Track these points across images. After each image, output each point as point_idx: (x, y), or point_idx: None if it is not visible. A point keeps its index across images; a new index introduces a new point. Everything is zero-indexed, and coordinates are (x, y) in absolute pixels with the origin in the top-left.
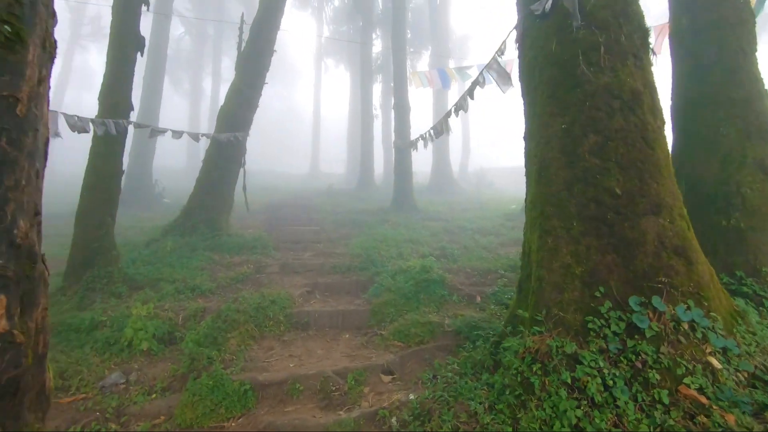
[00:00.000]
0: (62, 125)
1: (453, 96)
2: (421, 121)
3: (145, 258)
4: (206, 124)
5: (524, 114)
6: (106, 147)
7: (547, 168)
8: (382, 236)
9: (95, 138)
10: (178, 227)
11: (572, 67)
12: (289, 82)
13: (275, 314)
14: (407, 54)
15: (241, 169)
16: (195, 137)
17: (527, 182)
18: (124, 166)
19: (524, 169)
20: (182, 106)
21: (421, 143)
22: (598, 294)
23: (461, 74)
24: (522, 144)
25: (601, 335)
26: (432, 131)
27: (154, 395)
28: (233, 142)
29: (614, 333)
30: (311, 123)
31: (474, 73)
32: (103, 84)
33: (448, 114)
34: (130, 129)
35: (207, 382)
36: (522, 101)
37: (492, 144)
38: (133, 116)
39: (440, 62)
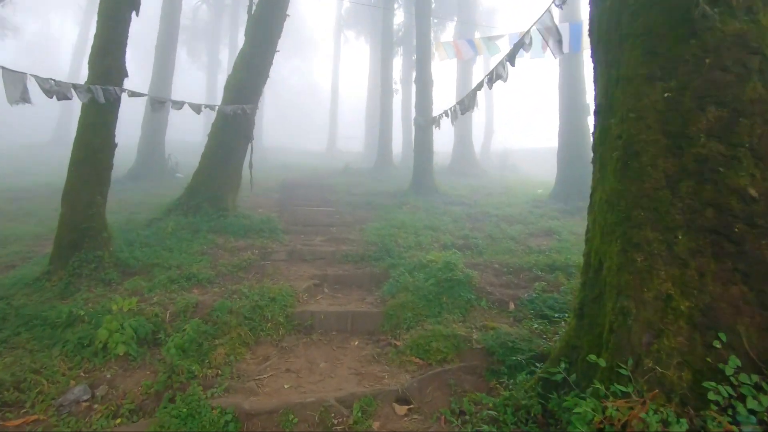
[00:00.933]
0: (36, 90)
1: (478, 71)
2: (443, 98)
3: (143, 240)
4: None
5: (595, 80)
6: (97, 117)
7: (638, 155)
8: (399, 222)
9: (84, 108)
10: (181, 206)
11: (684, 7)
12: (307, 56)
13: (274, 315)
14: (431, 25)
15: (249, 145)
16: (197, 108)
17: (599, 172)
18: (134, 139)
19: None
20: (200, 79)
21: (444, 121)
22: (717, 344)
23: (490, 46)
24: (554, 123)
25: (727, 410)
26: (458, 106)
27: (119, 419)
28: (240, 115)
29: (750, 411)
30: (329, 99)
31: (504, 45)
32: (93, 46)
33: (480, 86)
34: (134, 101)
35: (181, 409)
36: (593, 63)
37: (515, 124)
38: (136, 85)
39: (466, 34)
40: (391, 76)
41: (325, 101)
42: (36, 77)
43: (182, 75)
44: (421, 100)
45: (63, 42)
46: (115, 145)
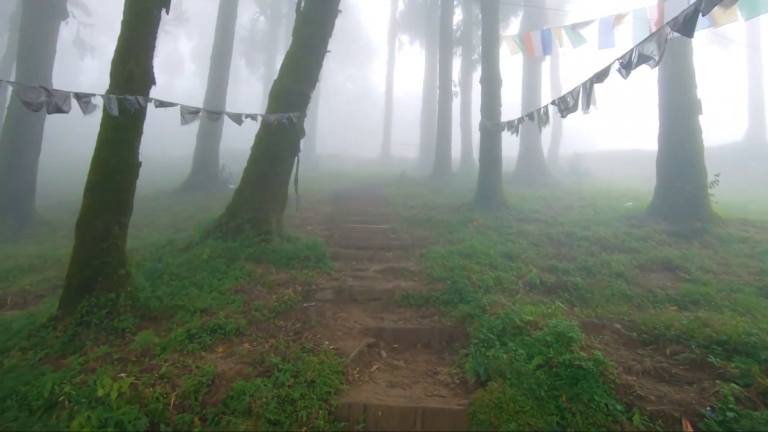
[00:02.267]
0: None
1: (545, 68)
2: (505, 100)
3: (172, 270)
4: None
5: None
6: (115, 132)
7: None
8: (468, 247)
9: (103, 121)
10: (220, 228)
11: None
12: (362, 62)
13: (311, 413)
14: (498, 15)
15: (296, 158)
16: (237, 119)
17: None
18: (189, 150)
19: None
20: (259, 89)
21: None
22: None
23: (574, 36)
24: (631, 123)
25: None
26: (558, 104)
27: None
28: (286, 124)
29: None
30: (383, 105)
31: (591, 34)
32: (116, 50)
33: (601, 76)
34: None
35: None
36: None
37: (584, 125)
38: (194, 97)
39: (534, 29)
40: (450, 77)
41: (379, 108)
42: (18, 85)
43: (241, 85)
44: (488, 101)
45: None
46: (139, 164)
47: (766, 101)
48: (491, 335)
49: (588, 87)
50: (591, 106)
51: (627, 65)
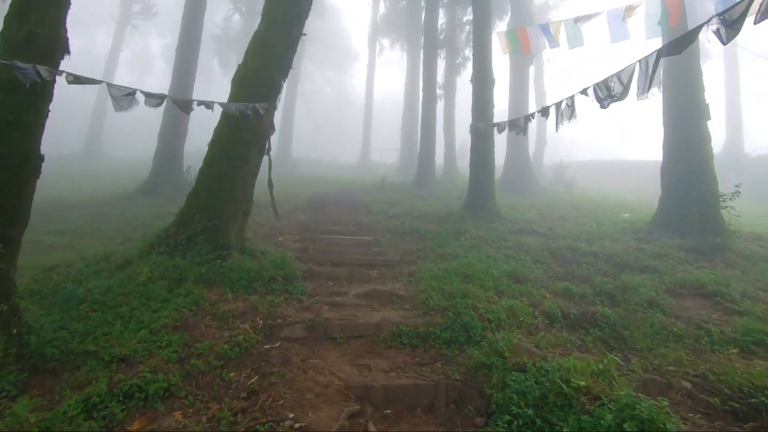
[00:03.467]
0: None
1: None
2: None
3: (95, 298)
4: None
5: None
6: (5, 112)
7: None
8: (466, 266)
9: None
10: (167, 240)
11: None
12: (342, 66)
13: None
14: (491, 11)
15: (266, 158)
16: (185, 106)
17: None
18: (151, 151)
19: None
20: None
21: (509, 127)
22: None
23: (573, 34)
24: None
25: None
26: (565, 106)
27: None
28: (251, 117)
29: None
30: (363, 109)
31: (592, 31)
32: (11, 3)
33: (656, 65)
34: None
35: None
36: None
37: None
38: (117, 80)
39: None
40: (434, 78)
41: (358, 112)
42: None
43: (213, 87)
44: (479, 101)
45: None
46: (41, 158)
47: (744, 114)
48: (526, 408)
49: (625, 77)
50: (647, 92)
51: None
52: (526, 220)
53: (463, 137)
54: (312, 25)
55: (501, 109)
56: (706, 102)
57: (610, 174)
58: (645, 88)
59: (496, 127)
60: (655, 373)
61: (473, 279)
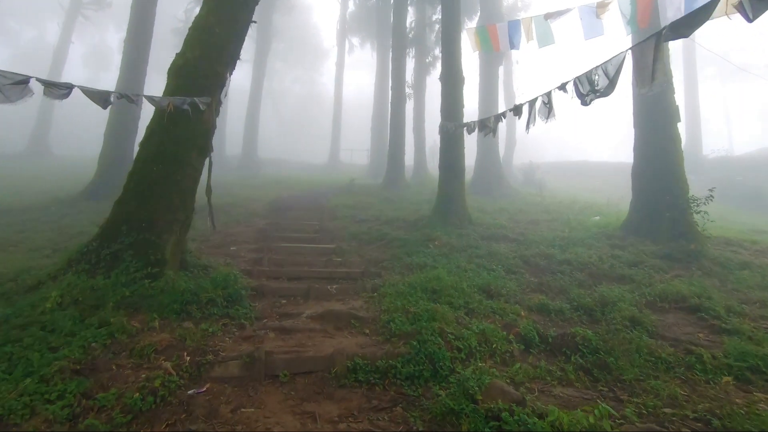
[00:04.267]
0: None
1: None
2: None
3: None
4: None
5: None
6: None
7: None
8: (434, 279)
9: None
10: (88, 256)
11: None
12: (311, 64)
13: None
14: (460, 8)
15: (207, 161)
16: (101, 99)
17: None
18: (97, 151)
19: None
20: None
21: (477, 128)
22: None
23: (543, 32)
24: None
25: None
26: (541, 104)
27: None
28: (189, 113)
29: None
30: (332, 108)
31: (563, 28)
32: None
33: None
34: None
35: None
36: None
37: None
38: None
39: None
40: (403, 78)
41: (328, 112)
42: None
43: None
44: (449, 100)
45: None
46: None
47: (702, 116)
48: None
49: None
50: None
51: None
52: (498, 225)
53: (434, 138)
54: (280, 20)
55: (470, 110)
56: (676, 104)
57: (576, 175)
58: (648, 80)
59: (465, 128)
60: (652, 420)
61: (442, 295)
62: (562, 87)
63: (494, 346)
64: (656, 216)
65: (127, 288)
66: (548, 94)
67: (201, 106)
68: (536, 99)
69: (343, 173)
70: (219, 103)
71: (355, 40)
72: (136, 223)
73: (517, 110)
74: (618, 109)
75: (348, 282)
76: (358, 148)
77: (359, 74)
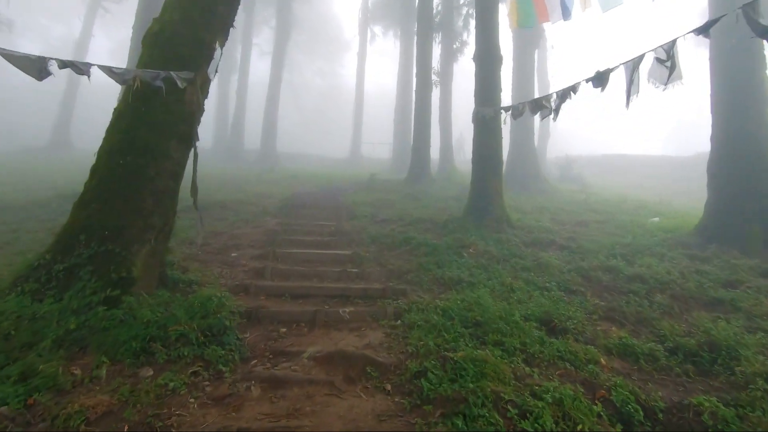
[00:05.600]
0: None
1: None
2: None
3: None
4: (234, 103)
5: None
6: None
7: None
8: (476, 305)
9: None
10: (38, 272)
11: None
12: (332, 56)
13: None
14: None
15: (192, 153)
16: (34, 68)
17: None
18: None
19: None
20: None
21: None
22: None
23: None
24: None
25: None
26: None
27: None
28: (163, 91)
29: None
30: (353, 101)
31: None
32: None
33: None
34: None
35: None
36: None
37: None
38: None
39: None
40: (429, 63)
41: (349, 104)
42: None
43: None
44: (484, 83)
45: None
46: None
47: None
48: None
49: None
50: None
51: None
52: (542, 227)
53: (460, 130)
54: (299, 10)
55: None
56: None
57: (615, 169)
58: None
59: (511, 113)
60: None
61: (488, 330)
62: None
63: (579, 428)
64: (742, 220)
65: (79, 316)
66: (637, 61)
67: (179, 83)
68: (641, 57)
69: (364, 168)
70: (207, 80)
71: (378, 29)
72: (98, 231)
73: (599, 79)
74: (651, 101)
75: (365, 302)
76: (380, 141)
77: (382, 65)
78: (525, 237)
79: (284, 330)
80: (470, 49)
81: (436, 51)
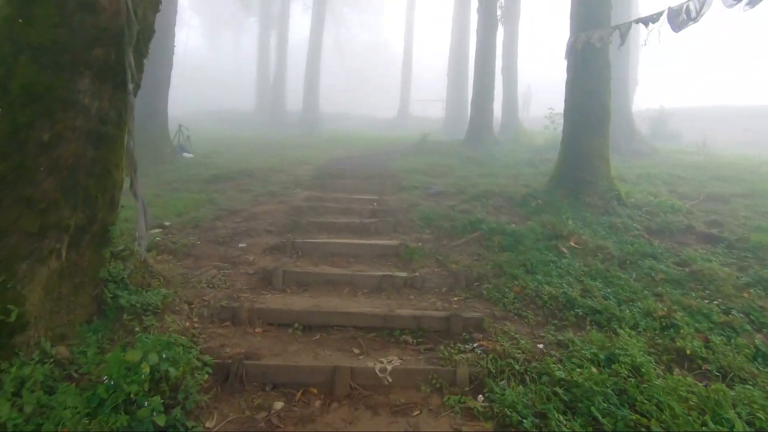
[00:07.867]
0: None
1: None
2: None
3: None
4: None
5: None
6: None
7: None
8: (627, 368)
9: None
10: None
11: None
12: (379, 7)
13: None
14: None
15: (127, 105)
16: None
17: None
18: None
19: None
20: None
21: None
22: None
23: None
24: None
25: None
26: None
27: None
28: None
29: None
30: (402, 55)
31: None
32: None
33: None
34: None
35: None
36: None
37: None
38: None
39: None
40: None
41: (397, 60)
42: None
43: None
44: (587, 4)
45: None
46: None
47: None
48: None
49: None
50: None
51: None
52: (665, 205)
53: (527, 82)
54: None
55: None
56: None
57: (721, 124)
58: None
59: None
60: None
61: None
62: None
63: None
64: None
65: None
66: None
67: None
68: None
69: (414, 128)
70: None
71: None
72: None
73: None
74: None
75: (418, 343)
76: (431, 98)
77: (433, 11)
78: (646, 221)
79: (281, 405)
80: None
81: None
